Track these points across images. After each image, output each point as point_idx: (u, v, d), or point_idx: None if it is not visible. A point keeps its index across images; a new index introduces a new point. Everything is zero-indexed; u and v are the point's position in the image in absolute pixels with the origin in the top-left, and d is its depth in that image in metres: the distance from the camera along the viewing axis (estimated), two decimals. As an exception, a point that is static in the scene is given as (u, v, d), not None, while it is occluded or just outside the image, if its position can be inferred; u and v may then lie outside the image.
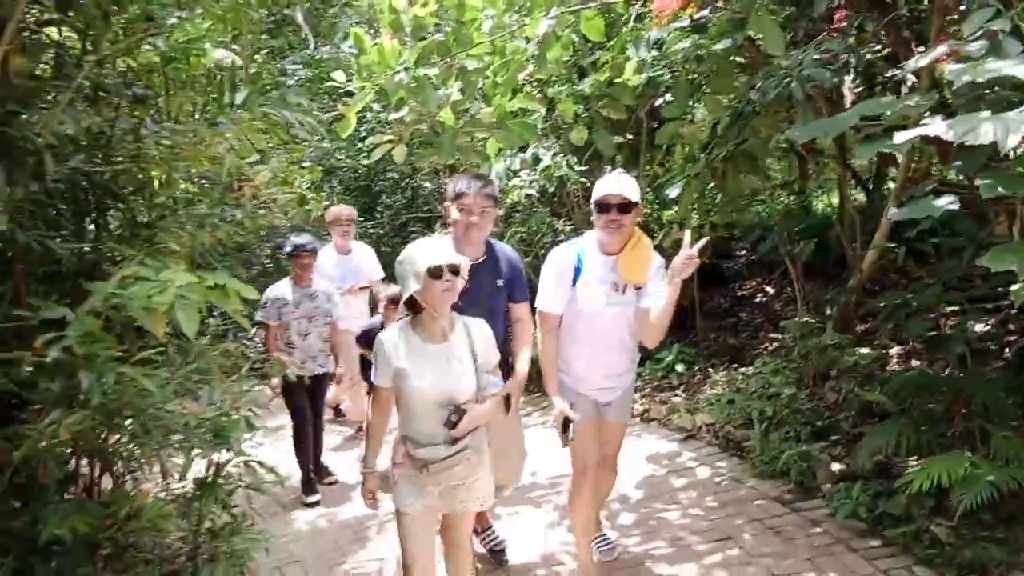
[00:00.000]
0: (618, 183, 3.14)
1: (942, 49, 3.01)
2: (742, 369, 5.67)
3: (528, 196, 5.97)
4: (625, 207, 3.12)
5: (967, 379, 3.70)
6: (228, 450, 2.68)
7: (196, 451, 2.39)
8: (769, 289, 8.27)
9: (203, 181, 3.22)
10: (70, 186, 2.33)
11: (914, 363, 4.80)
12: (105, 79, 2.63)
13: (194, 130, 2.89)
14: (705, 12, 4.41)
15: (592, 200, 3.23)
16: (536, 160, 5.84)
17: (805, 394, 4.89)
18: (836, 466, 4.31)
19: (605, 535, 3.90)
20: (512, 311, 3.58)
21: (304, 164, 7.28)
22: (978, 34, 2.93)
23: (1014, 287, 2.70)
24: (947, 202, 2.91)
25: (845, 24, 4.19)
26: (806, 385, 5.07)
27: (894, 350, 5.05)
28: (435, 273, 2.62)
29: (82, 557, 2.27)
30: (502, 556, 3.98)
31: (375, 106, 5.84)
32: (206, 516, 2.75)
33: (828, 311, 5.43)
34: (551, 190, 5.87)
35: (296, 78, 10.07)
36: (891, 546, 3.62)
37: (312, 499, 5.08)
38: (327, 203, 7.06)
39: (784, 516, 4.07)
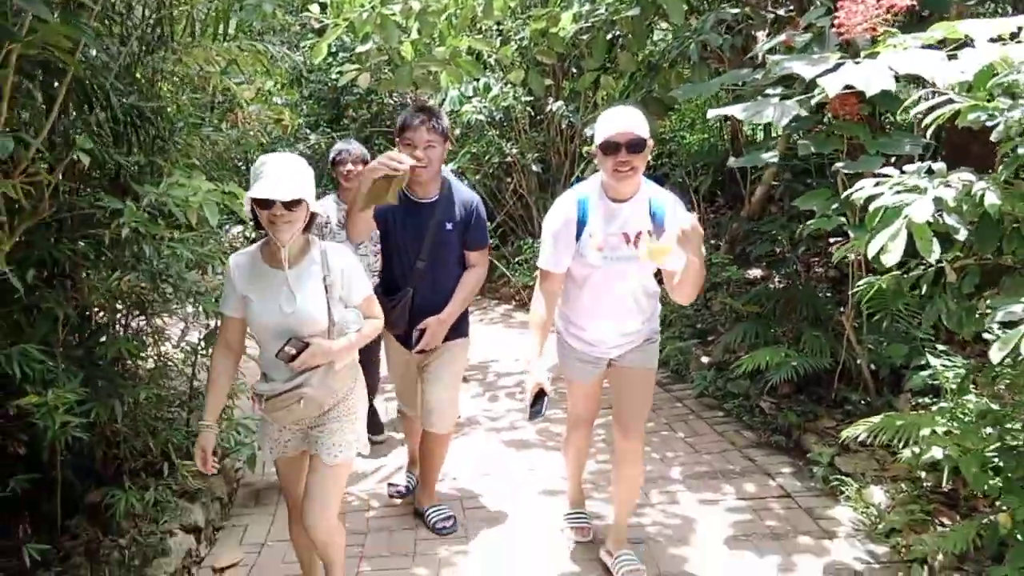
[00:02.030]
0: (625, 118, 2.64)
1: (783, 37, 3.92)
2: (648, 281, 6.70)
3: (479, 120, 6.79)
4: (636, 145, 2.61)
5: (795, 291, 4.76)
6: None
7: (206, 307, 3.34)
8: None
9: (204, 106, 4.04)
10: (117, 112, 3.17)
11: (770, 278, 5.85)
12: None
13: (195, 59, 3.73)
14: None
15: (596, 141, 2.71)
16: (487, 88, 6.67)
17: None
18: (705, 359, 5.41)
19: (627, 553, 3.17)
20: (467, 258, 3.34)
21: (278, 80, 8.00)
22: (806, 27, 3.85)
23: (811, 222, 3.70)
24: (770, 156, 3.88)
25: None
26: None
27: (756, 271, 6.09)
28: (261, 203, 2.31)
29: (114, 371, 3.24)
30: (445, 532, 3.56)
31: (345, 37, 6.56)
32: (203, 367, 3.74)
33: (723, 236, 6.44)
34: (498, 116, 6.70)
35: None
36: (729, 416, 4.75)
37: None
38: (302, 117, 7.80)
39: (658, 395, 5.14)
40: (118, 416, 2.88)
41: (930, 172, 2.70)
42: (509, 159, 7.24)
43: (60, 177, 2.76)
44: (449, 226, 3.25)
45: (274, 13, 8.09)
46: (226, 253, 3.91)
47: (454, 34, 5.26)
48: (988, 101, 2.59)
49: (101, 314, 3.35)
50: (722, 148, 8.08)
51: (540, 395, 2.77)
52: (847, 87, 2.88)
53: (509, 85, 6.62)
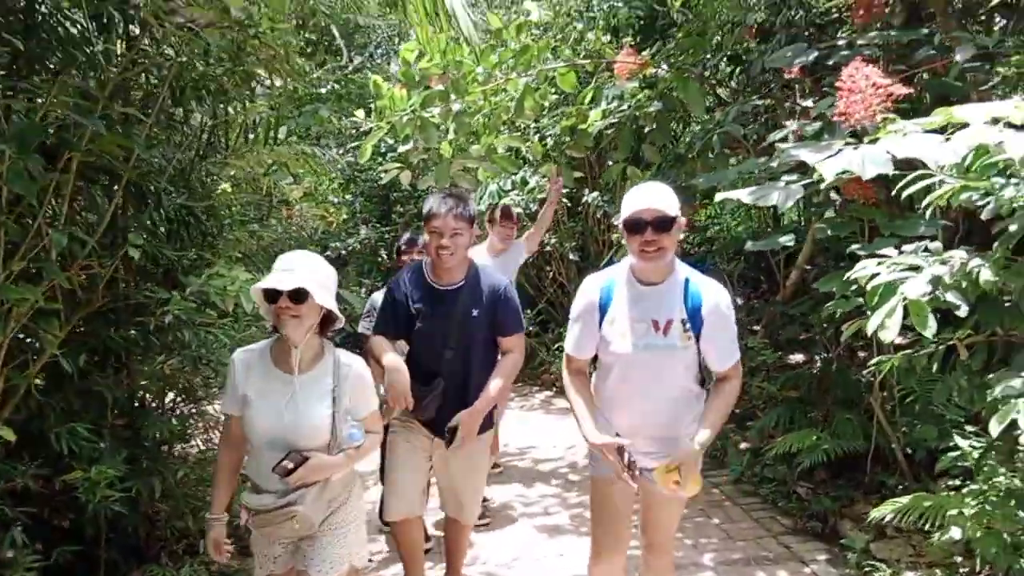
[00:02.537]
0: (651, 194, 2.48)
1: (794, 126, 4.08)
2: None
3: (518, 212, 7.05)
4: (663, 223, 2.42)
5: (827, 374, 4.75)
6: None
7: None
8: (739, 301, 9.35)
9: (254, 204, 4.37)
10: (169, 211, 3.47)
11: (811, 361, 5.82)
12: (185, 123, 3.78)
13: (247, 162, 4.06)
14: (656, 71, 5.51)
15: (620, 219, 2.54)
16: (524, 182, 6.95)
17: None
18: (743, 444, 5.38)
19: None
20: (500, 344, 3.24)
21: (333, 179, 8.51)
22: (816, 116, 4.01)
23: (829, 304, 3.76)
24: (787, 239, 3.98)
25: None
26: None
27: (799, 355, 6.07)
28: (269, 296, 2.28)
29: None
30: None
31: (387, 139, 6.96)
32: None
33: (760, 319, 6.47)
34: (534, 208, 6.95)
35: (327, 89, 11.31)
36: (766, 502, 4.70)
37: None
38: (348, 212, 8.19)
39: (693, 478, 5.14)
40: (156, 492, 3.05)
41: (927, 251, 2.78)
42: (548, 249, 7.45)
43: (113, 271, 3.04)
44: (476, 312, 3.15)
45: (329, 118, 8.69)
46: (265, 334, 4.17)
47: (488, 132, 5.56)
48: (983, 181, 2.69)
49: (151, 399, 3.58)
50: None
51: (621, 451, 2.51)
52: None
53: (545, 178, 6.88)
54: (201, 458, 3.73)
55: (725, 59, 5.69)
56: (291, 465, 2.27)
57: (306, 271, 2.30)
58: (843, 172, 2.98)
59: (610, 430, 2.62)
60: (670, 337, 2.53)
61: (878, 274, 2.76)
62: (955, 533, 3.01)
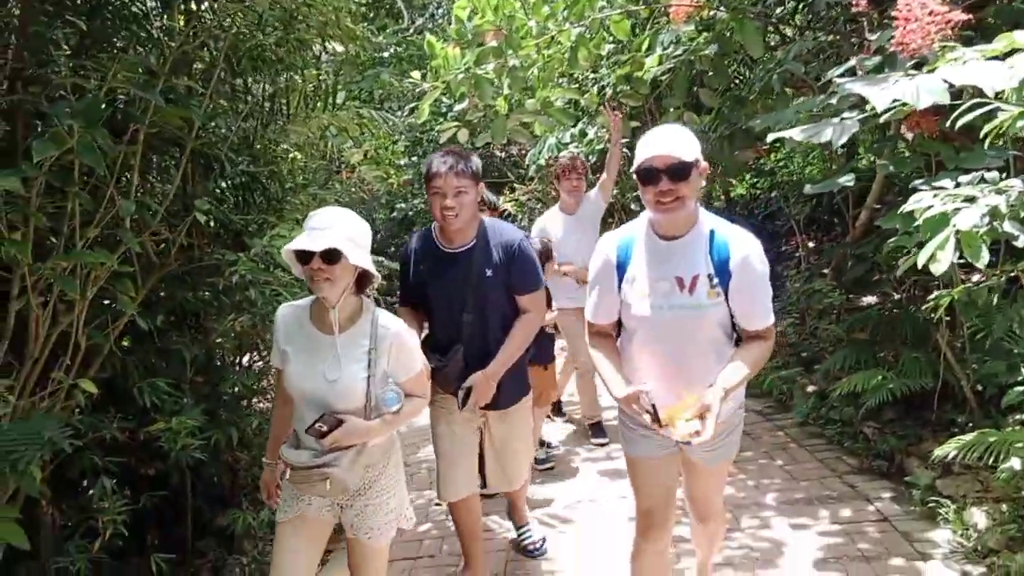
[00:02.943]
0: (666, 138, 2.24)
1: (853, 61, 3.95)
2: (756, 312, 6.67)
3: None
4: (679, 171, 2.18)
5: (895, 314, 4.66)
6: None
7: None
8: (811, 244, 9.14)
9: (316, 169, 4.52)
10: (233, 177, 3.64)
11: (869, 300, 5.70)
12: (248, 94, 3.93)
13: (308, 128, 4.20)
14: (713, 12, 5.39)
15: (633, 168, 2.30)
16: (583, 134, 6.93)
17: (796, 331, 5.90)
18: (811, 387, 5.34)
19: None
20: (519, 303, 3.11)
21: (395, 138, 8.63)
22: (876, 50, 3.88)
23: (891, 240, 3.68)
24: (847, 179, 3.89)
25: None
26: (802, 324, 6.07)
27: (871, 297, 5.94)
28: (302, 257, 2.22)
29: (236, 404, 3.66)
30: (534, 555, 3.72)
31: (445, 99, 7.02)
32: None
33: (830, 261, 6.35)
34: (593, 159, 6.92)
35: (389, 52, 11.44)
36: (831, 443, 4.67)
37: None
38: (415, 174, 8.22)
39: (758, 424, 5.16)
40: (234, 441, 3.26)
41: (983, 181, 2.70)
42: (611, 200, 7.44)
43: (185, 236, 3.22)
44: (490, 272, 3.01)
45: (391, 81, 8.78)
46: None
47: (542, 86, 5.56)
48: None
49: (227, 356, 3.80)
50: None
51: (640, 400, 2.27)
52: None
53: (603, 129, 6.84)
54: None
55: (785, -5, 5.53)
56: (325, 427, 2.22)
57: (338, 229, 2.20)
58: (896, 103, 2.92)
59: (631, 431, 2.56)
60: (696, 295, 2.29)
61: (932, 206, 2.70)
62: (1015, 464, 2.96)
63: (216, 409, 3.39)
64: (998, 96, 2.63)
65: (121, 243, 2.66)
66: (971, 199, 2.62)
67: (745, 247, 2.29)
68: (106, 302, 2.86)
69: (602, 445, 5.12)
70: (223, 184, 3.61)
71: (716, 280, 2.28)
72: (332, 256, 2.17)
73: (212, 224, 3.47)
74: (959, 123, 2.61)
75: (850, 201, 5.96)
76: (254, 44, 3.41)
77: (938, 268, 2.50)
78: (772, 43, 5.46)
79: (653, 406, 2.24)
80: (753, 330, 2.35)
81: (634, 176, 2.29)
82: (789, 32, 5.69)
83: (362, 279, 2.34)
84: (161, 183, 3.51)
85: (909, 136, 3.90)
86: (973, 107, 2.63)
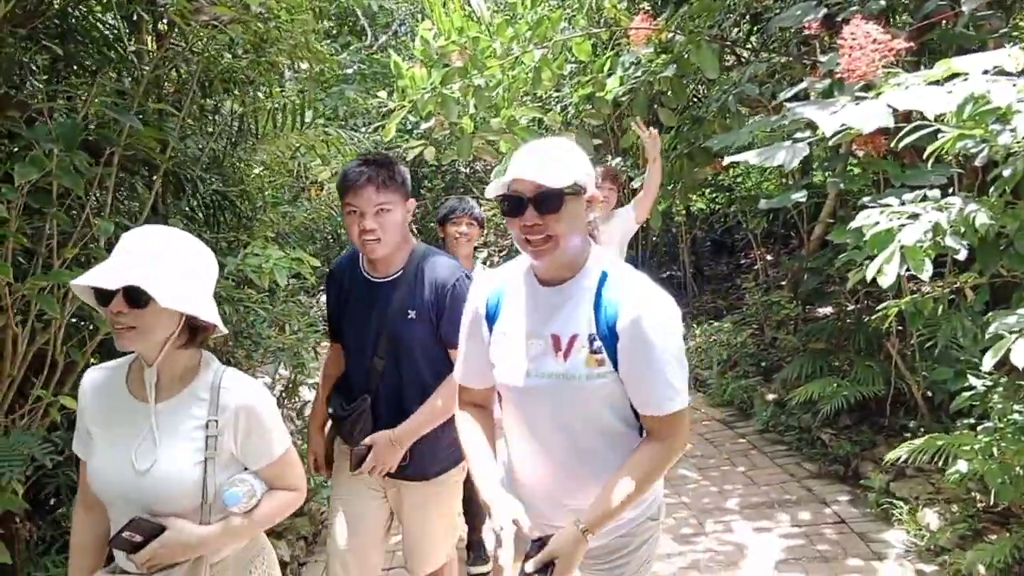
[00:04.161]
0: (535, 158, 1.67)
1: (805, 83, 4.14)
2: (716, 324, 6.86)
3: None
4: (548, 201, 1.62)
5: (848, 324, 4.86)
6: (302, 371, 4.10)
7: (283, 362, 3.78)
8: (769, 257, 9.40)
9: (285, 187, 4.59)
10: (205, 197, 3.69)
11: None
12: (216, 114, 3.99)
13: (277, 147, 4.26)
14: (671, 35, 5.58)
15: (489, 192, 1.75)
16: (546, 152, 7.07)
17: (755, 341, 6.08)
18: (770, 395, 5.51)
19: None
20: (451, 356, 2.31)
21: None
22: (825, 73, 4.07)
23: (842, 255, 3.86)
24: (799, 195, 4.06)
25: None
26: (761, 334, 6.26)
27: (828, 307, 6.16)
28: (101, 298, 1.58)
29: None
30: None
31: (411, 116, 7.12)
32: (285, 418, 4.18)
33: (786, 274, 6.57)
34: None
35: (353, 70, 11.53)
36: (790, 449, 4.84)
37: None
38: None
39: (720, 432, 5.32)
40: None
41: (925, 199, 2.87)
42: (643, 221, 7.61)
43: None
44: (412, 314, 2.38)
45: (356, 99, 8.86)
46: (305, 314, 4.39)
47: (506, 105, 5.69)
48: (979, 129, 2.77)
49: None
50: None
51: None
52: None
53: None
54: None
55: (743, 19, 5.74)
56: (138, 538, 1.56)
57: (151, 257, 1.55)
58: (844, 127, 3.08)
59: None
60: (572, 362, 1.70)
61: (879, 223, 2.86)
62: (962, 466, 3.12)
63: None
64: (939, 119, 2.80)
65: (96, 262, 2.70)
66: (915, 216, 2.78)
67: (641, 304, 1.66)
68: (81, 321, 2.89)
69: None
70: (194, 203, 3.66)
71: (599, 344, 1.68)
72: (136, 297, 1.52)
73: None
74: (902, 144, 2.77)
75: (805, 215, 6.18)
76: (227, 66, 3.47)
77: (885, 281, 2.65)
78: (728, 64, 5.66)
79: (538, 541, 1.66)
80: (650, 416, 1.68)
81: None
82: (745, 54, 5.89)
83: (198, 328, 1.65)
84: (130, 202, 3.54)
85: (860, 153, 4.10)
86: (915, 129, 2.81)
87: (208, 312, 1.62)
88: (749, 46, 5.93)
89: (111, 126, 2.78)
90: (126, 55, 3.29)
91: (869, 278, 2.70)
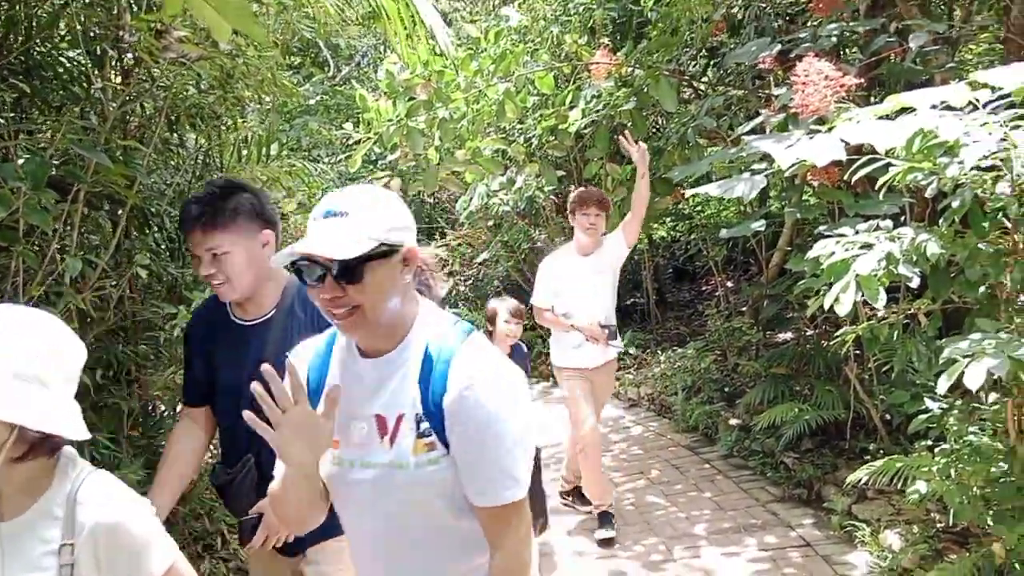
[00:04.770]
0: (329, 227, 1.37)
1: (761, 117, 4.28)
2: (680, 350, 6.95)
3: (506, 211, 7.27)
4: (348, 271, 1.37)
5: (807, 350, 4.97)
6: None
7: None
8: (730, 284, 9.57)
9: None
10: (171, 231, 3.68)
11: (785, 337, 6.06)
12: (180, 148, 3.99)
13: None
14: (630, 69, 5.71)
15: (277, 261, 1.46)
16: (511, 182, 7.16)
17: (718, 367, 6.18)
18: (734, 421, 5.59)
19: None
20: None
21: (325, 187, 8.72)
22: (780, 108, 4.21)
23: (801, 282, 3.97)
24: (758, 224, 4.18)
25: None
26: (724, 360, 6.36)
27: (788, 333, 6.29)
28: None
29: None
30: None
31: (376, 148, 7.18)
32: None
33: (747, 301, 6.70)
34: (522, 206, 7.16)
35: (316, 100, 11.56)
36: (755, 473, 4.91)
37: None
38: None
39: (686, 457, 5.38)
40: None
41: (878, 228, 2.99)
42: (539, 244, 7.68)
43: (125, 290, 3.24)
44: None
45: (319, 130, 8.88)
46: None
47: (471, 137, 5.77)
48: (927, 162, 2.89)
49: (163, 408, 3.79)
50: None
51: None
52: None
53: (532, 177, 7.10)
54: (214, 461, 3.95)
55: (700, 54, 5.91)
56: None
57: None
58: (799, 160, 3.19)
59: None
60: (399, 448, 1.44)
61: (834, 253, 2.96)
62: (921, 487, 3.20)
63: (153, 462, 3.37)
64: (889, 152, 2.92)
65: (62, 296, 2.68)
66: (868, 246, 2.89)
67: (474, 375, 1.40)
68: None
69: (608, 543, 4.14)
70: (157, 237, 3.64)
71: (426, 425, 1.43)
72: None
73: (149, 277, 3.49)
74: (855, 176, 2.88)
75: (763, 243, 6.32)
76: (193, 102, 3.48)
77: (842, 310, 2.74)
78: (687, 97, 5.81)
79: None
80: (484, 509, 1.44)
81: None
82: (702, 87, 6.06)
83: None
84: (92, 236, 3.52)
85: (816, 183, 4.23)
86: (868, 163, 2.92)
87: (49, 421, 1.28)
88: (705, 80, 6.09)
89: (76, 162, 2.78)
90: (91, 92, 3.29)
91: (827, 306, 2.79)
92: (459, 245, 8.44)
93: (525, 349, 4.14)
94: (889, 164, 2.89)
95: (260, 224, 2.15)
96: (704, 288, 9.68)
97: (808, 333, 5.21)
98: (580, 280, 4.24)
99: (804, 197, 4.56)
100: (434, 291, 1.60)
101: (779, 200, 6.83)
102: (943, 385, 2.54)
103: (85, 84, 3.26)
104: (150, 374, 3.57)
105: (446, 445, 1.42)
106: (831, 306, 2.77)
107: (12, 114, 2.95)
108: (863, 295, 2.75)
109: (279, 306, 2.15)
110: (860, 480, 3.55)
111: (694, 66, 5.99)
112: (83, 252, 3.00)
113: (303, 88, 11.39)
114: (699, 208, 8.10)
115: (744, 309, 6.58)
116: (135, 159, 3.04)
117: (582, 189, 4.45)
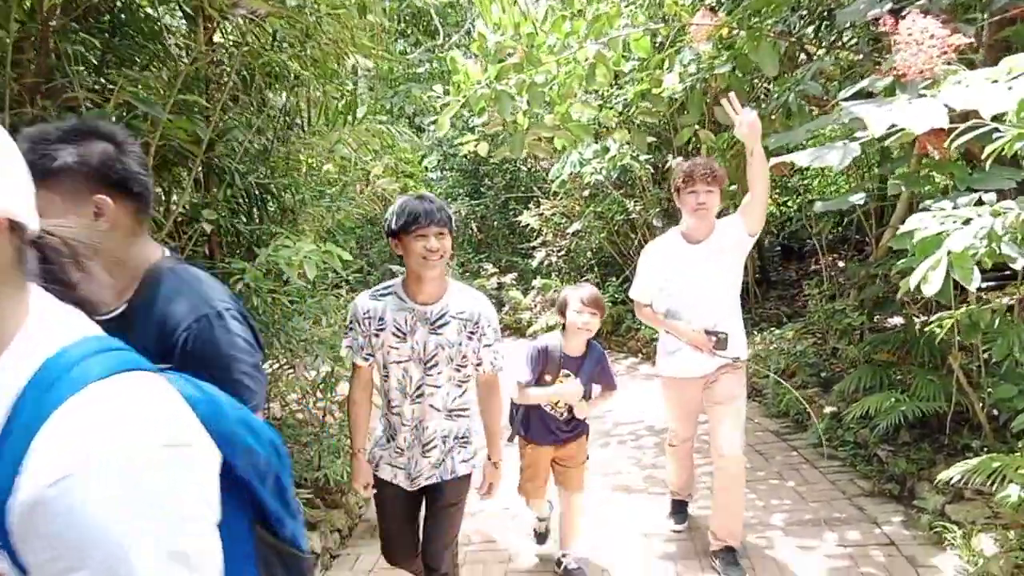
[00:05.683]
0: None
1: (865, 82, 3.93)
2: (778, 331, 6.61)
3: (599, 181, 7.08)
4: None
5: (909, 335, 4.59)
6: (342, 364, 4.11)
7: (319, 356, 3.80)
8: (841, 264, 9.04)
9: (330, 180, 4.63)
10: (246, 188, 3.74)
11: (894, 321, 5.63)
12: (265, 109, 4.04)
13: (327, 141, 4.29)
14: (733, 31, 5.40)
15: None
16: (605, 150, 6.96)
17: (816, 351, 5.83)
18: (828, 408, 5.27)
19: None
20: None
21: (423, 152, 8.78)
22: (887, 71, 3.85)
23: (901, 261, 3.65)
24: (858, 198, 3.86)
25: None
26: (823, 344, 6.00)
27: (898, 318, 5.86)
28: None
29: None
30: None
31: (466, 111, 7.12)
32: (326, 411, 4.21)
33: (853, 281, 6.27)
34: (615, 175, 6.95)
35: (424, 68, 11.63)
36: (845, 464, 4.61)
37: None
38: (440, 186, 8.35)
39: (772, 443, 5.11)
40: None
41: (979, 203, 2.68)
42: (633, 216, 7.45)
43: (193, 244, 3.32)
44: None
45: (420, 97, 8.90)
46: (343, 307, 4.42)
47: (560, 102, 5.62)
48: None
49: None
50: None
51: None
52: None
53: (627, 145, 6.87)
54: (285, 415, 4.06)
55: (817, 13, 5.51)
56: None
57: None
58: (894, 127, 2.90)
59: None
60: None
61: (928, 227, 2.68)
62: (1012, 491, 2.90)
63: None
64: (998, 118, 2.60)
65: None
66: (967, 221, 2.59)
67: (70, 453, 0.74)
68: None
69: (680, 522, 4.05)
70: (236, 194, 3.71)
71: None
72: None
73: (225, 233, 3.56)
74: (954, 145, 2.59)
75: (874, 220, 5.89)
76: (267, 61, 3.50)
77: (929, 289, 2.48)
78: (800, 61, 5.43)
79: None
80: None
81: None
82: (815, 50, 5.66)
83: None
84: (168, 194, 3.62)
85: (936, 154, 3.87)
86: (969, 129, 2.61)
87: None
88: (818, 43, 5.69)
89: (144, 117, 2.84)
90: (174, 50, 3.36)
91: (912, 286, 2.53)
92: (553, 215, 8.30)
93: (601, 349, 3.49)
94: (995, 131, 2.57)
95: (98, 186, 1.50)
96: (813, 268, 9.20)
97: (920, 319, 4.81)
98: (688, 272, 3.50)
99: (902, 170, 4.18)
100: (84, 290, 0.92)
101: (890, 172, 6.36)
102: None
103: (162, 42, 3.32)
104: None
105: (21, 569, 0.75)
106: (917, 285, 2.51)
107: (93, 68, 3.03)
108: (956, 275, 2.48)
109: (131, 301, 1.58)
110: (953, 478, 3.25)
111: (809, 27, 5.58)
112: (157, 206, 3.08)
113: (411, 56, 11.48)
114: (807, 182, 7.67)
115: (850, 290, 6.16)
116: (199, 117, 3.07)
117: (688, 161, 3.59)
